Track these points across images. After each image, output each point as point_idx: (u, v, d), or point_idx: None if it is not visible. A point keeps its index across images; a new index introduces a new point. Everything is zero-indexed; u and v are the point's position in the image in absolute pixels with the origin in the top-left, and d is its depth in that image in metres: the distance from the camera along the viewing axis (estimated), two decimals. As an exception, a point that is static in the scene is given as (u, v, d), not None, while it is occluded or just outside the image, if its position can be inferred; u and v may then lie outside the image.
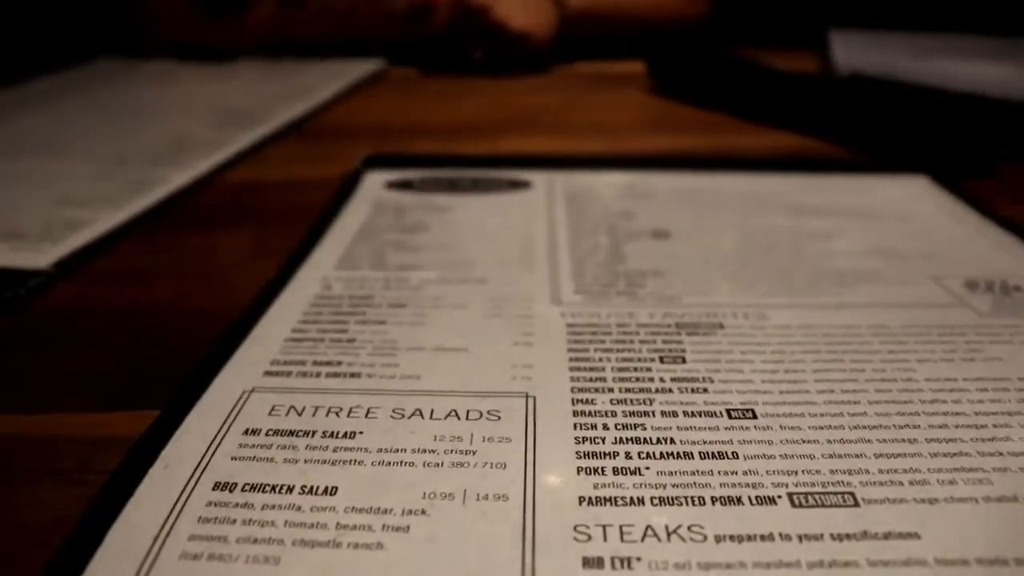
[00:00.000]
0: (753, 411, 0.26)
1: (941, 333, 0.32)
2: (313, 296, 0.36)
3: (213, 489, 0.23)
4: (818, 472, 0.23)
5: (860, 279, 0.38)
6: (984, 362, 0.30)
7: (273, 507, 0.22)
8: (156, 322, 0.35)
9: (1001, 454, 0.25)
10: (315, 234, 0.43)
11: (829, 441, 0.25)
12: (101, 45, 1.02)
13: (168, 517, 0.22)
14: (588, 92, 0.86)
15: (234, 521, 0.22)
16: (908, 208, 0.49)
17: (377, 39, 0.99)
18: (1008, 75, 0.78)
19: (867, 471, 0.23)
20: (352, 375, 0.29)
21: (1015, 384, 0.29)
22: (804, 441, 0.25)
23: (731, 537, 0.21)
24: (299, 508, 0.22)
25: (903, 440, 0.25)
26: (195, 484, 0.23)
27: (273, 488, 0.23)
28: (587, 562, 0.20)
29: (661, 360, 0.30)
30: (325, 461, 0.24)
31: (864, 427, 0.26)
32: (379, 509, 0.22)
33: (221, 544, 0.21)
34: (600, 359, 0.30)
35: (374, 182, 0.53)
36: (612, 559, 0.20)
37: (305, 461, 0.24)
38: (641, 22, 1.04)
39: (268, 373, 0.29)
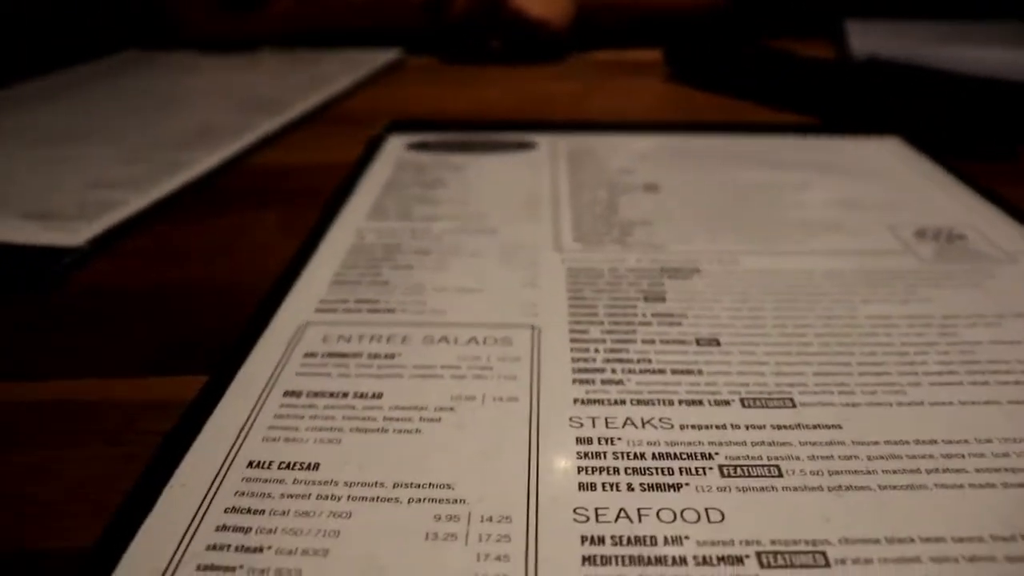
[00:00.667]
0: (718, 340, 0.32)
1: (885, 277, 0.38)
2: (350, 245, 0.41)
3: (284, 395, 0.29)
4: (765, 384, 0.29)
5: (823, 228, 0.44)
6: (917, 303, 0.36)
7: (332, 407, 0.28)
8: (189, 296, 0.39)
9: (916, 373, 0.30)
10: (346, 189, 0.49)
11: (777, 363, 0.31)
12: (128, 37, 1.05)
13: (249, 417, 0.28)
14: (605, 79, 0.88)
15: (302, 417, 0.28)
16: (877, 165, 0.54)
17: (396, 28, 1.02)
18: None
19: (805, 384, 0.29)
20: (388, 310, 0.35)
21: (938, 320, 0.34)
22: (757, 363, 0.31)
23: (693, 426, 0.27)
24: (353, 407, 0.28)
25: (838, 363, 0.31)
26: (268, 393, 0.29)
27: (331, 394, 0.29)
28: (579, 440, 0.26)
29: (645, 299, 0.36)
30: (371, 375, 0.30)
31: (808, 353, 0.32)
32: (417, 407, 0.28)
33: (294, 432, 0.27)
34: (594, 298, 0.36)
35: (396, 145, 0.58)
36: (599, 438, 0.26)
37: (356, 375, 0.30)
38: (658, 10, 1.06)
39: (319, 310, 0.35)
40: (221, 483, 0.24)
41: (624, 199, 0.47)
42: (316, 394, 0.29)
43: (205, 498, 0.24)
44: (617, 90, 0.83)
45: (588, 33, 1.01)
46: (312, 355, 0.31)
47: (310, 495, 0.24)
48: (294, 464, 0.25)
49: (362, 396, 0.29)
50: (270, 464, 0.25)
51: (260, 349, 0.32)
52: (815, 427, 0.27)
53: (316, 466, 0.25)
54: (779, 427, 0.27)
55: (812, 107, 0.68)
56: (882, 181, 0.51)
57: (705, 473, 0.25)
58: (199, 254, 0.44)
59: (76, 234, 0.44)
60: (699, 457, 0.25)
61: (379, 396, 0.29)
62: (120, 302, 0.39)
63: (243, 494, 0.24)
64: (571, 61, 0.98)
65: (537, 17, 0.95)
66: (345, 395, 0.29)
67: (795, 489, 0.24)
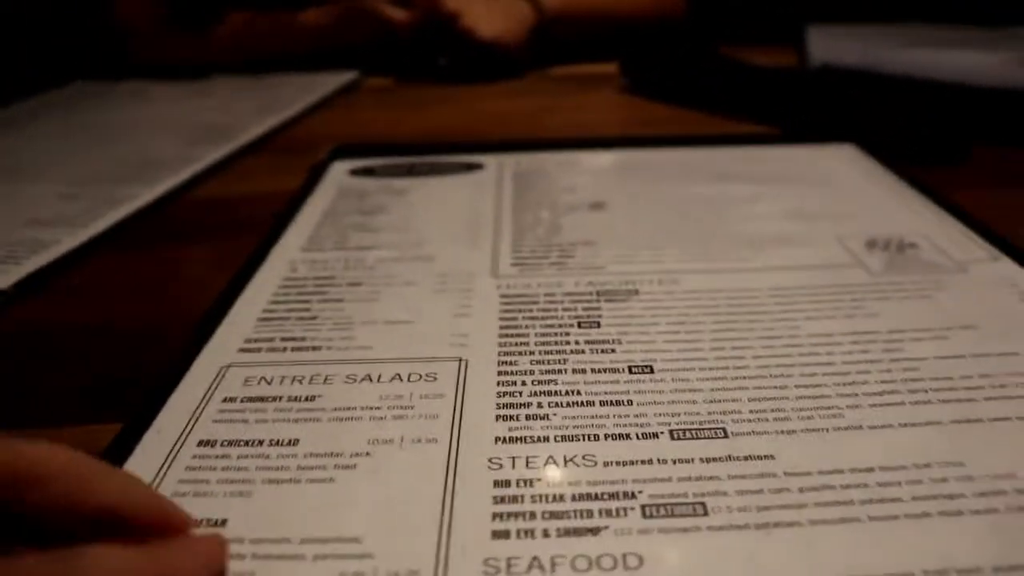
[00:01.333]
0: (651, 367, 0.31)
1: (831, 292, 0.37)
2: (282, 278, 0.40)
3: (198, 445, 0.28)
4: (697, 413, 0.28)
5: (771, 243, 0.43)
6: (862, 318, 0.35)
7: (246, 456, 0.27)
8: (114, 338, 0.38)
9: (856, 395, 0.29)
10: (284, 220, 0.48)
11: (712, 389, 0.30)
12: (78, 69, 1.03)
13: (160, 469, 0.26)
14: (562, 95, 0.88)
15: (214, 468, 0.26)
16: (830, 173, 0.53)
17: (349, 49, 1.01)
18: (983, 62, 0.77)
19: (739, 412, 0.28)
20: (314, 348, 0.33)
21: (883, 336, 0.33)
22: (690, 390, 0.30)
23: (617, 463, 0.26)
24: (267, 456, 0.27)
25: (775, 387, 0.30)
26: (182, 443, 0.28)
27: (246, 442, 0.28)
28: (497, 483, 0.25)
29: (579, 325, 0.34)
30: (289, 420, 0.29)
31: (744, 377, 0.30)
32: (332, 453, 0.27)
33: (204, 485, 0.26)
34: (526, 326, 0.34)
35: (339, 171, 0.57)
36: (517, 480, 0.25)
37: (273, 421, 0.29)
38: (617, 22, 1.05)
39: (242, 350, 0.34)
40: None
41: (567, 219, 0.46)
42: (230, 443, 0.28)
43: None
44: (573, 105, 0.82)
45: (545, 47, 1.00)
46: (231, 399, 0.30)
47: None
48: (201, 521, 0.24)
49: (277, 443, 0.27)
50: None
51: (179, 394, 0.31)
52: (746, 458, 0.26)
53: (224, 522, 0.24)
54: (709, 460, 0.26)
55: (771, 116, 0.67)
56: (834, 190, 0.50)
57: (626, 514, 0.23)
58: (130, 292, 0.43)
59: (2, 277, 0.43)
60: (621, 496, 0.24)
61: (295, 443, 0.27)
62: (42, 345, 0.38)
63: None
64: (528, 78, 0.97)
65: (488, 37, 0.94)
66: (260, 443, 0.27)
67: (720, 528, 0.23)
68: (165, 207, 0.56)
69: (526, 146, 0.61)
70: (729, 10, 1.21)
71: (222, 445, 0.28)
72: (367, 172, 0.56)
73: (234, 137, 0.71)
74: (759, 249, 0.42)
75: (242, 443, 0.28)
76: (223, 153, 0.66)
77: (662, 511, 0.24)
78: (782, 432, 0.27)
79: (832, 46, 0.89)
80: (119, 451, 0.28)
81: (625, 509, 0.24)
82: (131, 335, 0.38)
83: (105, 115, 0.85)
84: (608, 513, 0.24)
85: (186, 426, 0.29)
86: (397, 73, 1.00)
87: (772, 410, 0.28)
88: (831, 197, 0.49)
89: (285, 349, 0.34)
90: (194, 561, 0.21)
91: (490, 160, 0.57)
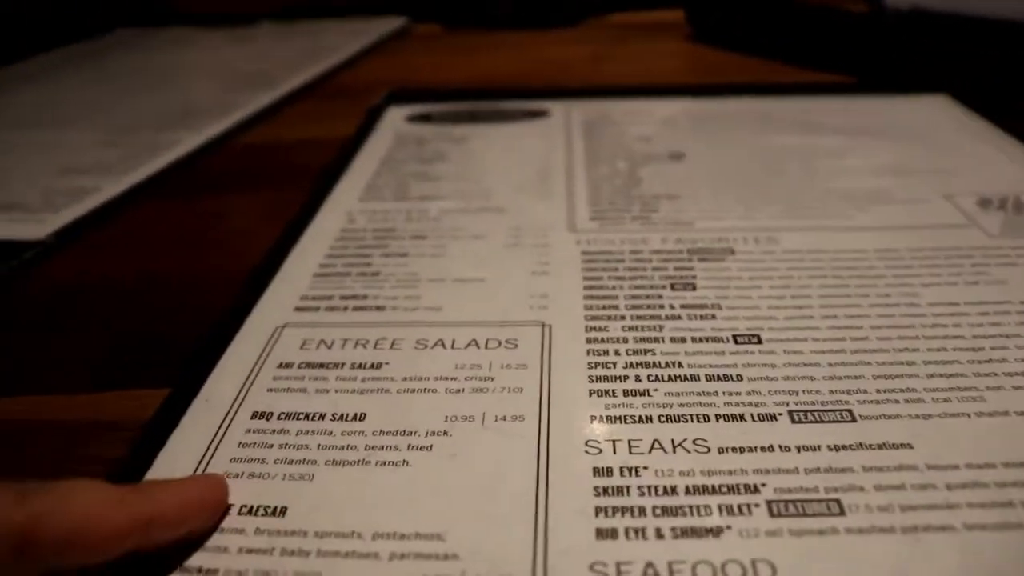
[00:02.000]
0: (759, 336, 0.28)
1: (948, 256, 0.33)
2: (339, 230, 0.37)
3: (252, 418, 0.25)
4: (818, 392, 0.25)
5: (871, 199, 0.39)
6: (988, 285, 0.31)
7: (306, 432, 0.24)
8: (157, 294, 0.35)
9: (996, 374, 0.26)
10: (339, 167, 0.45)
11: (830, 364, 0.26)
12: (120, 16, 1.01)
13: (209, 445, 0.24)
14: (622, 42, 0.83)
15: (271, 445, 0.23)
16: (925, 126, 0.49)
17: None
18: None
19: (865, 391, 0.25)
20: (377, 308, 0.30)
21: (1016, 307, 0.29)
22: (806, 364, 0.26)
23: (733, 449, 0.22)
24: (330, 433, 0.24)
25: (902, 363, 0.26)
26: (234, 414, 0.25)
27: (306, 416, 0.24)
28: (597, 471, 0.22)
29: (672, 287, 0.31)
30: (353, 391, 0.25)
31: (865, 351, 0.27)
32: (404, 431, 0.23)
33: (260, 464, 0.23)
34: (613, 287, 0.31)
35: (395, 116, 0.54)
36: (621, 468, 0.22)
37: (336, 391, 0.25)
38: None
39: (299, 308, 0.31)
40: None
41: (646, 170, 0.42)
42: (288, 416, 0.24)
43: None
44: (636, 53, 0.78)
45: None
46: (287, 365, 0.27)
47: (273, 549, 0.20)
48: (257, 509, 0.21)
49: (341, 418, 0.24)
50: (230, 508, 0.21)
51: (229, 357, 0.28)
52: (880, 447, 0.22)
53: (283, 511, 0.21)
54: (837, 448, 0.22)
55: (848, 65, 0.62)
56: (931, 144, 0.46)
57: (751, 511, 0.20)
58: (174, 244, 0.40)
59: (40, 226, 0.41)
60: (743, 490, 0.21)
61: (361, 418, 0.24)
62: (80, 302, 0.35)
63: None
64: (586, 25, 0.92)
65: None
66: (322, 417, 0.24)
67: (861, 531, 0.20)
68: (209, 155, 0.53)
69: (592, 93, 0.57)
70: None
71: (279, 418, 0.24)
72: (424, 118, 0.53)
73: (278, 84, 0.68)
74: (859, 207, 0.38)
75: (301, 416, 0.24)
76: (268, 100, 0.63)
77: (792, 509, 0.20)
78: (917, 416, 0.24)
79: None
80: (161, 424, 0.25)
81: (749, 505, 0.20)
82: (175, 290, 0.35)
83: (145, 62, 0.83)
84: (729, 510, 0.20)
85: (238, 394, 0.26)
86: (452, 17, 0.95)
87: (902, 390, 0.25)
88: (930, 151, 0.45)
89: (346, 308, 0.30)
90: (182, 497, 0.20)
91: (555, 107, 0.54)
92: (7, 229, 0.41)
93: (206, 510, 0.20)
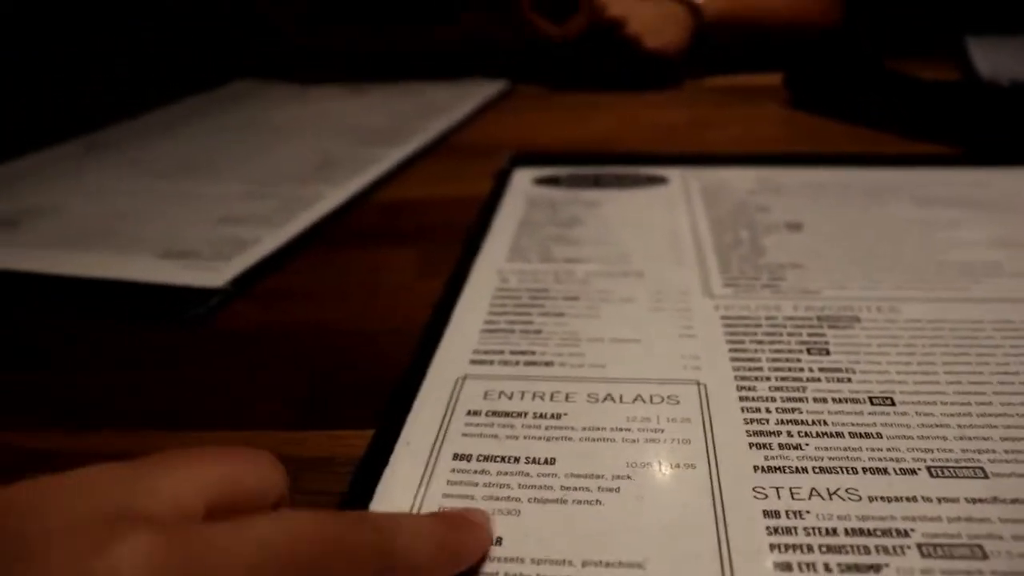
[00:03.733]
0: (891, 399, 0.31)
1: (1061, 328, 0.36)
2: (494, 289, 0.41)
3: (453, 458, 0.29)
4: (951, 451, 0.28)
5: (984, 272, 0.42)
6: (1100, 355, 0.34)
7: (505, 473, 0.28)
8: (333, 341, 0.39)
9: (1113, 438, 0.29)
10: (480, 227, 0.49)
11: (959, 426, 0.29)
12: (235, 67, 1.08)
13: (421, 481, 0.28)
14: (721, 107, 0.86)
15: (476, 484, 0.27)
16: (1032, 199, 0.52)
17: (498, 56, 1.02)
18: None
19: (994, 451, 0.28)
20: (546, 363, 0.34)
21: None
22: (937, 425, 0.29)
23: (881, 498, 0.26)
24: (527, 474, 0.28)
25: (1025, 425, 0.29)
26: (437, 455, 0.29)
27: (503, 458, 0.29)
28: (767, 513, 0.25)
29: (808, 351, 0.34)
30: (540, 437, 0.30)
31: (990, 414, 0.30)
32: (593, 475, 0.27)
33: (469, 500, 0.27)
34: (755, 350, 0.35)
35: (523, 179, 0.58)
36: (787, 511, 0.25)
37: (524, 438, 0.30)
38: (776, 29, 1.03)
39: (474, 361, 0.35)
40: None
41: (768, 239, 0.46)
42: (486, 458, 0.29)
43: None
44: (735, 118, 0.80)
45: (702, 55, 0.98)
46: (475, 413, 0.31)
47: (498, 574, 0.24)
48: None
49: (535, 461, 0.28)
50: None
51: (421, 404, 0.32)
52: (1014, 501, 0.26)
53: (499, 540, 0.25)
54: (974, 500, 0.26)
55: (952, 136, 0.65)
56: (1038, 216, 0.49)
57: (904, 552, 0.24)
58: (340, 294, 0.45)
59: (216, 274, 0.46)
60: (894, 534, 0.24)
61: (552, 462, 0.28)
62: (263, 347, 0.39)
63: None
64: (685, 88, 0.96)
65: (654, 46, 0.92)
66: (516, 460, 0.28)
67: (1005, 573, 0.23)
68: (353, 209, 0.57)
69: (705, 160, 0.61)
70: (884, 20, 1.17)
71: (478, 460, 0.29)
72: (552, 181, 0.57)
73: (404, 140, 0.73)
74: (974, 279, 0.41)
75: (498, 459, 0.29)
76: (400, 156, 0.68)
77: (940, 551, 0.24)
78: (1044, 475, 0.27)
79: (997, 58, 0.84)
80: (373, 462, 0.29)
81: (902, 547, 0.24)
82: (351, 338, 0.39)
83: (268, 113, 0.89)
84: (885, 550, 0.24)
85: (436, 438, 0.30)
86: (555, 77, 0.99)
87: (1028, 450, 0.28)
88: (1036, 224, 0.48)
89: (517, 363, 0.35)
90: (477, 539, 0.23)
91: (672, 173, 0.58)
92: (187, 276, 0.46)
93: (488, 544, 0.24)
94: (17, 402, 0.36)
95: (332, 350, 0.38)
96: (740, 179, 0.56)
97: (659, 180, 0.57)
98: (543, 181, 0.58)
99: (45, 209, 0.58)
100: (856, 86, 0.77)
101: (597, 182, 0.57)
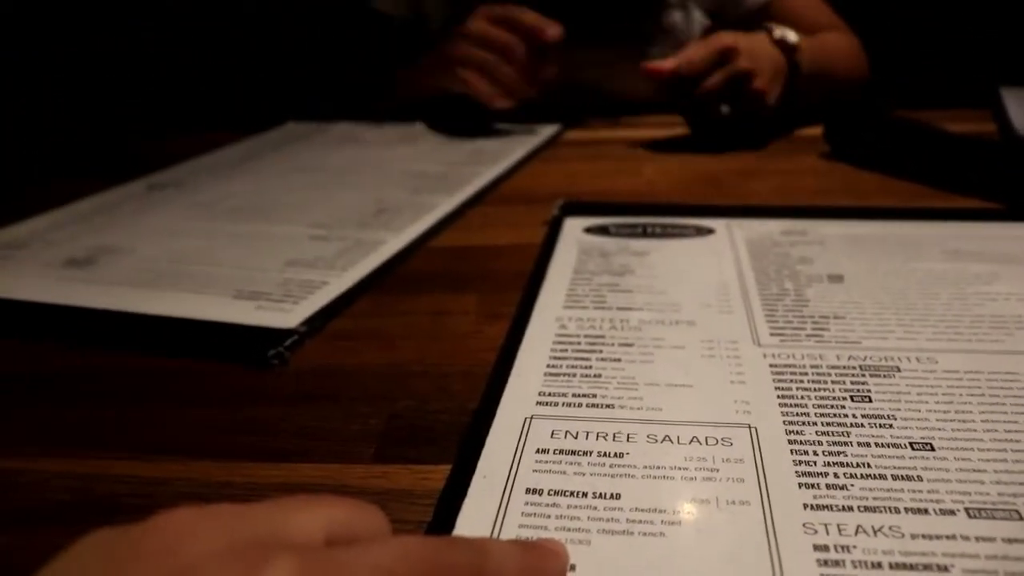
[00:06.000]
0: (931, 444, 0.33)
1: (1092, 379, 0.38)
2: (554, 334, 0.44)
3: (526, 493, 0.32)
4: (988, 494, 0.30)
5: (1016, 325, 0.44)
6: None
7: (576, 507, 0.30)
8: (407, 380, 0.42)
9: None
10: (537, 275, 0.52)
11: (996, 471, 0.32)
12: (291, 109, 1.12)
13: (497, 514, 0.30)
14: (765, 158, 0.88)
15: (548, 516, 0.30)
16: (1063, 255, 0.54)
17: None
18: None
19: (1027, 494, 0.30)
20: (607, 406, 0.37)
21: None
22: (974, 470, 0.32)
23: (923, 536, 0.28)
24: (595, 508, 0.30)
25: (1058, 472, 0.32)
26: (511, 490, 0.32)
27: (571, 493, 0.31)
28: (817, 547, 0.28)
29: (852, 399, 0.37)
30: (605, 474, 0.32)
31: (1024, 460, 0.32)
32: (656, 509, 0.30)
33: (543, 531, 0.29)
34: (802, 396, 0.37)
35: (574, 227, 0.61)
36: (835, 546, 0.28)
37: (590, 475, 0.32)
38: (834, 84, 1.03)
39: (540, 403, 0.38)
40: None
41: (811, 291, 0.49)
42: (556, 492, 0.31)
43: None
44: (777, 169, 0.83)
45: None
46: (544, 451, 0.34)
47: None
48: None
49: (601, 496, 0.31)
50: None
51: (493, 441, 0.35)
52: (1046, 542, 0.28)
53: (573, 567, 0.27)
54: (1011, 540, 0.28)
55: (986, 191, 0.67)
56: (1071, 271, 0.51)
57: (944, 585, 0.26)
58: (403, 337, 0.47)
59: (290, 315, 0.49)
60: (936, 568, 0.27)
61: (617, 497, 0.31)
62: (338, 386, 0.42)
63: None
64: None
65: (771, 102, 0.90)
66: (585, 495, 0.31)
67: (1037, 606, 0.25)
68: (413, 254, 0.61)
69: (748, 212, 0.63)
70: (914, 72, 1.18)
71: (549, 494, 0.31)
72: (602, 231, 0.60)
73: (458, 186, 0.77)
74: (1008, 332, 0.43)
75: (568, 493, 0.31)
76: (455, 202, 0.71)
77: (976, 586, 0.26)
78: (1075, 519, 0.29)
79: None
80: (451, 495, 0.32)
81: (942, 581, 0.26)
82: (413, 379, 0.42)
83: (325, 158, 0.93)
84: (927, 583, 0.26)
85: (509, 473, 0.33)
86: (688, 123, 0.96)
87: (1059, 496, 0.30)
88: (1070, 278, 0.50)
89: (580, 405, 0.37)
90: (556, 565, 0.26)
91: (719, 224, 0.60)
92: (261, 316, 0.49)
93: (565, 570, 0.27)
94: (120, 436, 0.39)
95: (404, 390, 0.41)
96: (783, 230, 0.59)
97: (706, 231, 0.60)
98: (593, 230, 0.61)
99: (116, 248, 0.61)
100: (891, 139, 0.79)
101: (646, 232, 0.60)
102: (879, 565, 0.27)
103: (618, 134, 1.01)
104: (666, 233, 0.59)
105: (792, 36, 0.93)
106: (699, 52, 0.86)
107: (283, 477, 0.35)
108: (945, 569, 0.27)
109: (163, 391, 0.43)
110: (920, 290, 0.49)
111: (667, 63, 0.86)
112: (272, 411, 0.40)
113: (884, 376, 0.39)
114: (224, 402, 0.41)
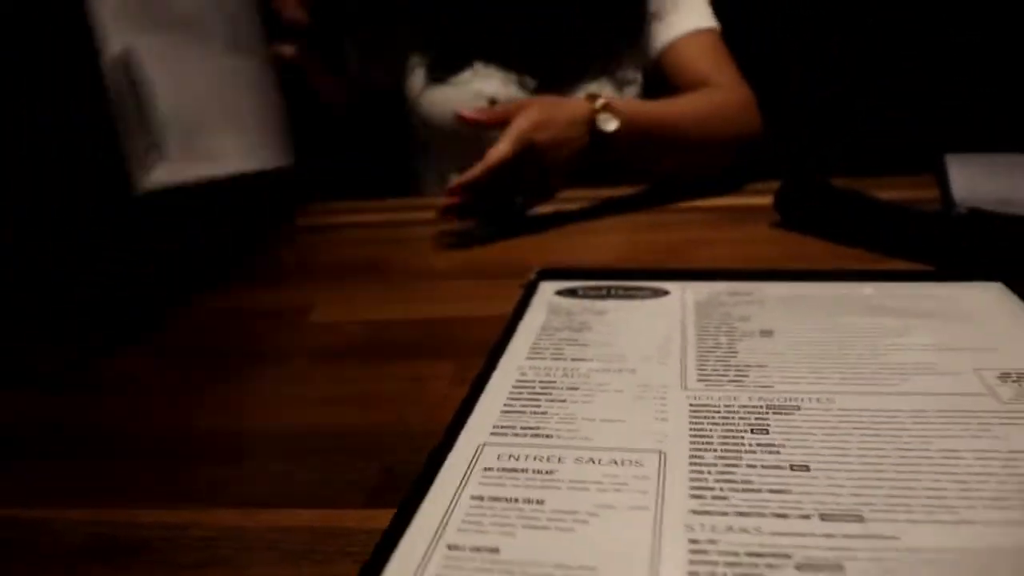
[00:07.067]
0: (808, 466, 0.41)
1: (963, 416, 0.45)
2: (515, 380, 0.52)
3: (471, 499, 0.39)
4: (841, 504, 0.38)
5: (916, 371, 0.51)
6: (988, 439, 0.43)
7: (507, 509, 0.38)
8: (387, 440, 0.49)
9: (971, 498, 0.38)
10: (509, 330, 0.60)
11: (855, 486, 0.39)
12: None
13: (446, 512, 0.38)
14: (716, 227, 0.96)
15: (485, 515, 0.38)
16: (976, 310, 0.61)
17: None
18: None
19: (873, 504, 0.37)
20: (547, 436, 0.45)
21: (1004, 455, 0.41)
22: (837, 486, 0.39)
23: (780, 533, 0.35)
24: (522, 510, 0.38)
25: (905, 487, 0.39)
26: (459, 496, 0.39)
27: (506, 499, 0.39)
28: (691, 540, 0.35)
29: (751, 431, 0.44)
30: (536, 486, 0.40)
31: (883, 479, 0.39)
32: (571, 511, 0.38)
33: (479, 526, 0.37)
34: (710, 429, 0.45)
35: (547, 290, 0.69)
36: (706, 539, 0.35)
37: (524, 486, 0.40)
38: (682, 143, 1.06)
39: (493, 433, 0.45)
40: (428, 562, 0.35)
41: (742, 344, 0.56)
42: (495, 499, 0.39)
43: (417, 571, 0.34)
44: (730, 238, 0.91)
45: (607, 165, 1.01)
46: (490, 469, 0.42)
47: (492, 570, 0.34)
48: (481, 548, 0.35)
49: (528, 501, 0.39)
50: (464, 547, 0.36)
51: (451, 460, 0.43)
52: (875, 537, 0.35)
53: (496, 550, 0.35)
54: (850, 536, 0.35)
55: (923, 255, 0.75)
56: (977, 326, 0.58)
57: (783, 568, 0.33)
58: (389, 399, 0.56)
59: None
60: (780, 555, 0.34)
61: (541, 502, 0.38)
62: (328, 445, 0.50)
63: (446, 567, 0.34)
64: (677, 207, 1.06)
65: (563, 179, 0.99)
66: (516, 500, 0.39)
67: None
68: (391, 323, 0.70)
69: (702, 275, 0.71)
70: (855, 140, 1.22)
71: (488, 500, 0.39)
72: (571, 293, 0.68)
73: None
74: (905, 377, 0.50)
75: (504, 500, 0.39)
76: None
77: (809, 569, 0.33)
78: (907, 521, 0.36)
79: (973, 177, 0.91)
80: (414, 498, 0.40)
81: (783, 564, 0.33)
82: (393, 439, 0.50)
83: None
84: (770, 567, 0.33)
85: (459, 483, 0.41)
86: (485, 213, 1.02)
87: (903, 507, 0.37)
88: (973, 332, 0.57)
89: (526, 435, 0.45)
90: None
91: (674, 287, 0.68)
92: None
93: None
94: (137, 487, 0.48)
95: (384, 448, 0.49)
96: (730, 291, 0.67)
97: (662, 292, 0.67)
98: (563, 292, 0.69)
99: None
100: (837, 209, 0.87)
101: (609, 293, 0.67)
102: (736, 553, 0.34)
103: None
104: (627, 295, 0.67)
105: (610, 124, 0.97)
106: (479, 170, 0.92)
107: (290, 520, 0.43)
108: (788, 556, 0.34)
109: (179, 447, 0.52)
110: (839, 342, 0.56)
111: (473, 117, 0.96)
112: (267, 466, 0.49)
113: (784, 414, 0.46)
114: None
